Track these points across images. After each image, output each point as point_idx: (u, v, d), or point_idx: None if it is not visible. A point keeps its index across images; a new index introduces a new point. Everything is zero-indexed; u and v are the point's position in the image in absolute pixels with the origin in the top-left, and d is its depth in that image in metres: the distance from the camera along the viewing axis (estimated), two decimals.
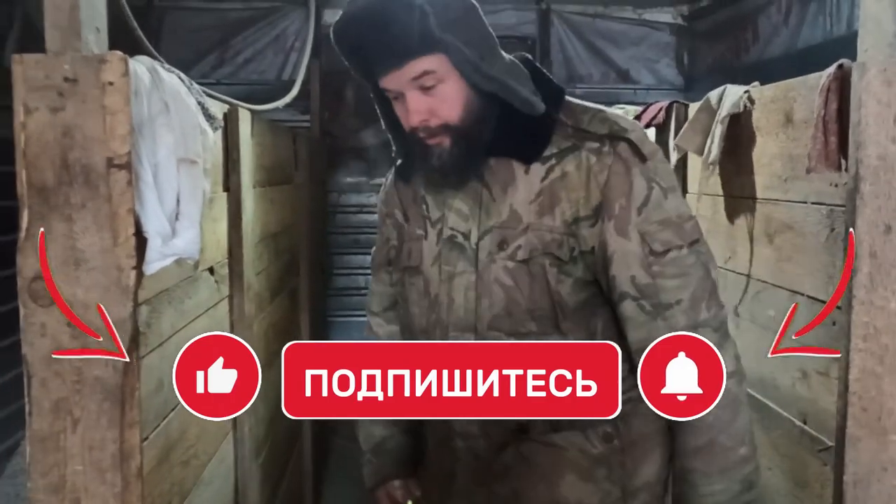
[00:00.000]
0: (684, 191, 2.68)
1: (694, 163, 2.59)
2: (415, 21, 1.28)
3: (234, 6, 4.93)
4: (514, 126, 1.41)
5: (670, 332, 1.27)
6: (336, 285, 5.22)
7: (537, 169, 1.40)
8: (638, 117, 3.06)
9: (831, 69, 1.45)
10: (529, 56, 1.50)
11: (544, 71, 1.49)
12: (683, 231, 1.36)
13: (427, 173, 1.50)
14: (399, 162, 1.63)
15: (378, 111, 1.55)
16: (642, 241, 1.34)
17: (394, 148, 1.61)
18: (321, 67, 5.03)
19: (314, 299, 4.26)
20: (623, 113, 1.58)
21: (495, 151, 1.43)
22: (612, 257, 1.36)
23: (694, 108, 2.49)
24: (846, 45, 3.42)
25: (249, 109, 2.58)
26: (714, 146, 2.25)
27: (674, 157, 2.61)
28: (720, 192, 2.37)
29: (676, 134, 2.58)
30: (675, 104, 2.71)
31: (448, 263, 1.48)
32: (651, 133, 2.92)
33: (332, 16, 5.03)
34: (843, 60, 1.43)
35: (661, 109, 2.80)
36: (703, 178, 2.48)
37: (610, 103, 5.02)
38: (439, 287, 1.49)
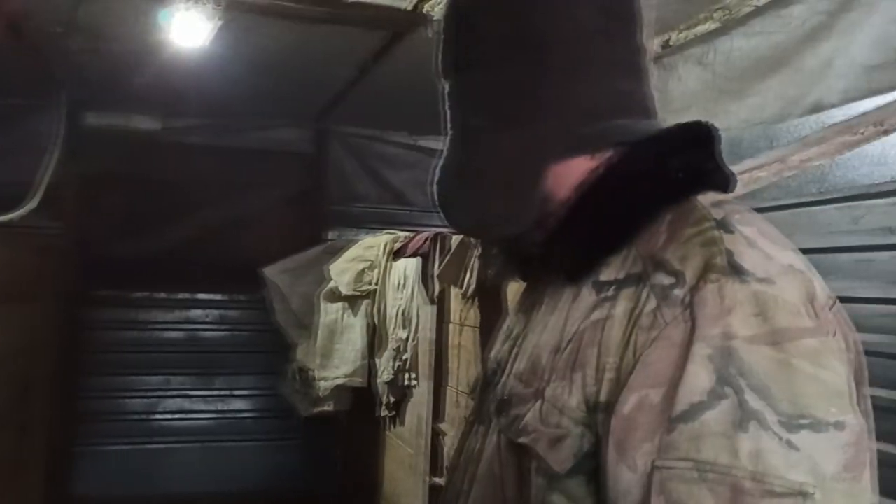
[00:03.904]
0: (445, 320, 2.71)
1: (455, 294, 2.64)
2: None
3: None
4: (592, 214, 0.88)
5: None
6: (84, 410, 4.69)
7: (588, 298, 0.84)
8: (405, 246, 3.10)
9: None
10: (712, 126, 0.90)
11: (710, 148, 0.88)
12: None
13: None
14: None
15: None
16: (647, 482, 0.70)
17: None
18: (79, 171, 4.67)
19: (54, 430, 3.80)
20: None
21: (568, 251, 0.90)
22: (603, 482, 0.75)
23: (456, 240, 2.55)
24: None
25: None
26: (472, 280, 2.30)
27: (436, 288, 2.65)
28: (477, 323, 2.41)
29: (440, 264, 2.62)
30: (439, 235, 2.77)
31: (474, 412, 1.01)
32: (415, 263, 2.96)
33: (92, 118, 4.74)
34: None
35: (426, 240, 2.85)
36: (463, 310, 2.52)
37: (386, 224, 5.18)
38: (465, 442, 1.01)
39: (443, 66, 0.97)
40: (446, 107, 0.98)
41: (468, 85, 0.94)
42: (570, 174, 0.89)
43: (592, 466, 0.76)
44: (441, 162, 0.97)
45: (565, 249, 0.87)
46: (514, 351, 0.94)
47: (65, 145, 3.46)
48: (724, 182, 0.87)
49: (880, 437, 0.82)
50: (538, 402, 0.82)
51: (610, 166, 0.88)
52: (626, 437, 0.72)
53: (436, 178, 0.97)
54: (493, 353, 1.02)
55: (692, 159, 0.86)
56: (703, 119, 0.90)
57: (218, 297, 5.05)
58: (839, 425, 0.67)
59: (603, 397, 0.76)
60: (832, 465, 0.66)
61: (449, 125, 0.97)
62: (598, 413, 0.76)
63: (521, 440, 0.82)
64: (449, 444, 2.69)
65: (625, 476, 0.71)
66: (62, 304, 4.03)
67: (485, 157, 0.92)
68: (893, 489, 1.01)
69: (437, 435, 2.77)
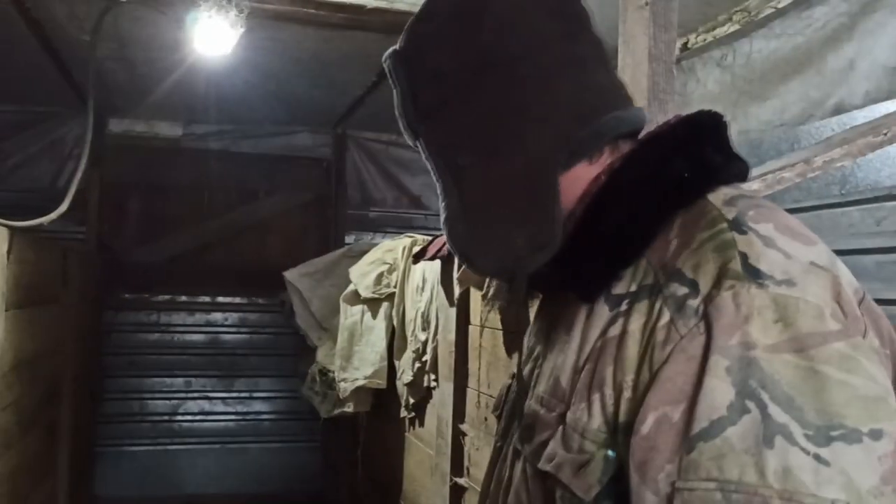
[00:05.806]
0: (466, 322, 2.73)
1: (476, 297, 2.66)
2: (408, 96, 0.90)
3: (5, 108, 4.58)
4: (605, 228, 0.81)
5: None
6: (107, 412, 4.77)
7: (602, 315, 0.79)
8: (424, 250, 3.12)
9: None
10: (717, 114, 0.85)
11: (718, 140, 0.83)
12: None
13: None
14: None
15: None
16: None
17: None
18: (102, 177, 4.75)
19: (78, 429, 3.85)
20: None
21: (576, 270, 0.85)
22: None
23: None
24: None
25: (7, 225, 2.35)
26: (493, 283, 2.31)
27: (457, 290, 2.67)
28: (499, 325, 2.43)
29: (461, 268, 2.64)
30: None
31: (503, 435, 0.97)
32: (434, 266, 2.98)
33: (117, 124, 4.81)
34: None
35: (445, 243, 2.87)
36: (484, 312, 2.54)
37: (403, 228, 5.20)
38: (495, 467, 0.97)
39: (407, 120, 0.90)
40: (427, 159, 0.91)
41: (444, 128, 0.87)
42: (573, 185, 0.84)
43: (621, 490, 0.71)
44: (444, 215, 0.89)
45: (576, 267, 0.81)
46: (536, 372, 0.90)
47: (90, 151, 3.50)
48: (738, 174, 0.81)
49: None
50: (560, 428, 0.78)
51: (612, 172, 0.83)
52: (648, 458, 0.67)
53: (447, 232, 0.89)
54: (522, 373, 0.95)
55: (698, 155, 0.80)
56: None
57: (238, 300, 5.10)
58: (875, 434, 0.61)
59: (623, 417, 0.72)
60: (868, 478, 0.60)
61: (437, 176, 0.90)
62: (619, 434, 0.72)
63: (545, 468, 0.78)
64: (469, 444, 2.72)
65: (649, 499, 0.66)
66: (86, 308, 4.08)
67: (487, 191, 0.85)
68: None
69: (459, 435, 2.79)
